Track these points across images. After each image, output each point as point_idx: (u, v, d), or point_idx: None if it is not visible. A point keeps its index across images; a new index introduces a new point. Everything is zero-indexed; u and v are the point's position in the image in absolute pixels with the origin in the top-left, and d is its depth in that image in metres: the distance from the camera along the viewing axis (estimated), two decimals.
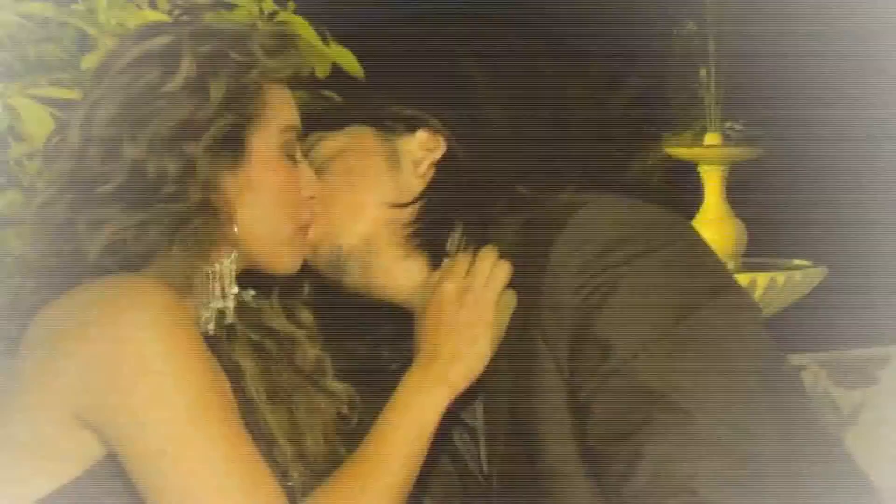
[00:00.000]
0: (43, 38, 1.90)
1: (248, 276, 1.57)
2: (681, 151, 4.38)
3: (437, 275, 1.60)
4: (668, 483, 1.40)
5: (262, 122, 1.51)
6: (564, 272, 1.49)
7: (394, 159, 1.64)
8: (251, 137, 1.50)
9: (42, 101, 1.82)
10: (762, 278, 3.90)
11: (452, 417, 1.59)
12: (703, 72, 4.29)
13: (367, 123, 1.65)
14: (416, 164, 1.64)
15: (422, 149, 1.65)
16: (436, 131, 1.64)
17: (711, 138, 4.33)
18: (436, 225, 1.63)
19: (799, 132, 5.01)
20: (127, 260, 1.44)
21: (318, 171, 1.62)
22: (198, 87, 1.47)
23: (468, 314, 1.55)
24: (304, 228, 1.57)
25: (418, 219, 1.62)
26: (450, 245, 1.62)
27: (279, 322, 1.61)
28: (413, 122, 1.65)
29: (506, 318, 1.56)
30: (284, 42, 1.54)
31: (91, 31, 1.88)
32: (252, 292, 1.59)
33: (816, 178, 5.07)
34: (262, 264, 1.54)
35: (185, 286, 1.47)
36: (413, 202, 1.62)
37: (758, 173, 4.74)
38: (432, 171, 1.65)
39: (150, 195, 1.45)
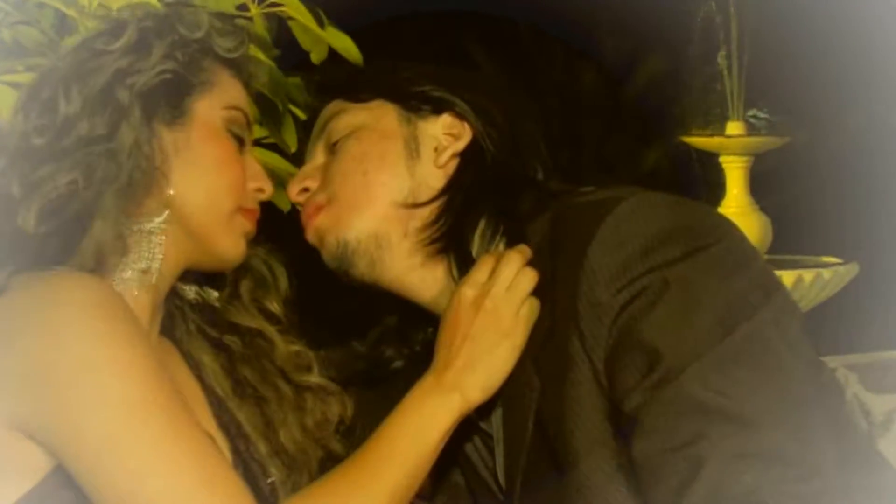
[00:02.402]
0: (19, 21, 1.90)
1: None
2: (701, 141, 4.38)
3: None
4: (730, 496, 1.39)
5: (206, 93, 1.55)
6: (603, 271, 1.49)
7: (413, 145, 1.63)
8: (194, 103, 1.54)
9: (19, 87, 1.82)
10: (788, 276, 3.89)
11: (467, 423, 1.59)
12: (723, 55, 4.29)
13: (393, 99, 1.65)
14: (438, 152, 1.63)
15: (445, 133, 1.64)
16: (462, 117, 1.65)
17: (733, 127, 4.33)
18: (456, 229, 1.62)
19: (827, 120, 5.00)
20: (64, 225, 1.46)
21: (333, 149, 1.64)
22: (140, 46, 1.52)
23: (485, 322, 1.55)
24: (248, 214, 1.57)
25: (437, 220, 1.62)
26: (475, 249, 1.62)
27: (245, 318, 1.62)
28: (440, 105, 1.65)
29: (528, 327, 1.56)
30: (237, 29, 1.60)
31: (71, 13, 1.88)
32: (216, 294, 1.61)
33: (846, 168, 5.06)
34: (202, 248, 1.54)
35: (120, 251, 1.49)
36: (429, 202, 1.62)
37: (783, 164, 4.74)
38: (454, 162, 1.64)
39: (82, 144, 1.48)
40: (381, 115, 1.65)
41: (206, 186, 1.54)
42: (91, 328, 1.38)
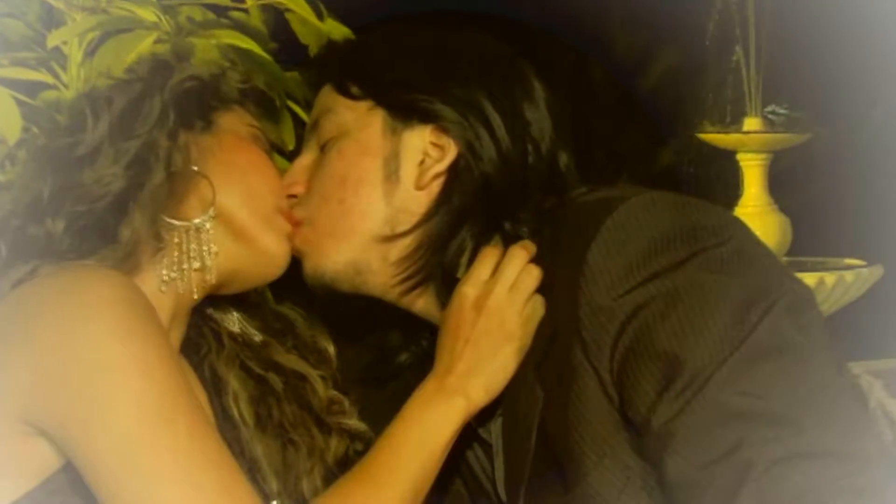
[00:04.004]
0: (5, 13, 1.90)
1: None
2: (717, 138, 4.37)
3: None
4: (783, 501, 1.38)
5: (229, 111, 1.63)
6: (603, 275, 1.47)
7: (393, 166, 1.60)
8: (220, 117, 1.61)
9: (3, 82, 1.82)
10: (809, 279, 3.88)
11: (468, 431, 1.59)
12: (741, 48, 4.28)
13: (380, 104, 1.62)
14: (422, 169, 1.60)
15: (432, 143, 1.60)
16: (447, 131, 1.61)
17: (751, 123, 4.32)
18: (437, 260, 1.60)
19: (849, 115, 4.99)
20: (94, 221, 1.48)
21: (323, 149, 1.64)
22: (160, 67, 1.61)
23: (488, 324, 1.54)
24: (288, 216, 1.62)
25: (415, 251, 1.60)
26: (462, 271, 1.60)
27: (289, 360, 1.65)
28: (426, 116, 1.62)
29: (532, 328, 1.55)
30: (241, 67, 1.70)
31: (58, 5, 1.88)
32: (259, 337, 1.64)
33: (869, 166, 5.05)
34: (247, 247, 1.57)
35: (155, 246, 1.52)
36: (409, 231, 1.60)
37: (803, 162, 4.73)
38: (440, 181, 1.62)
39: (116, 144, 1.53)
40: (366, 122, 1.63)
41: (243, 185, 1.59)
42: (112, 325, 1.40)
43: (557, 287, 1.53)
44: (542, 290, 1.56)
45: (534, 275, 1.56)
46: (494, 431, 1.62)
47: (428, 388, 1.55)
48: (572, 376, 1.50)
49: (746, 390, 1.41)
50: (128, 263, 1.50)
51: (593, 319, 1.48)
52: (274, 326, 1.69)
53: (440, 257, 1.60)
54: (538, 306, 1.55)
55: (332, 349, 1.69)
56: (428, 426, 1.53)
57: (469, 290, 1.56)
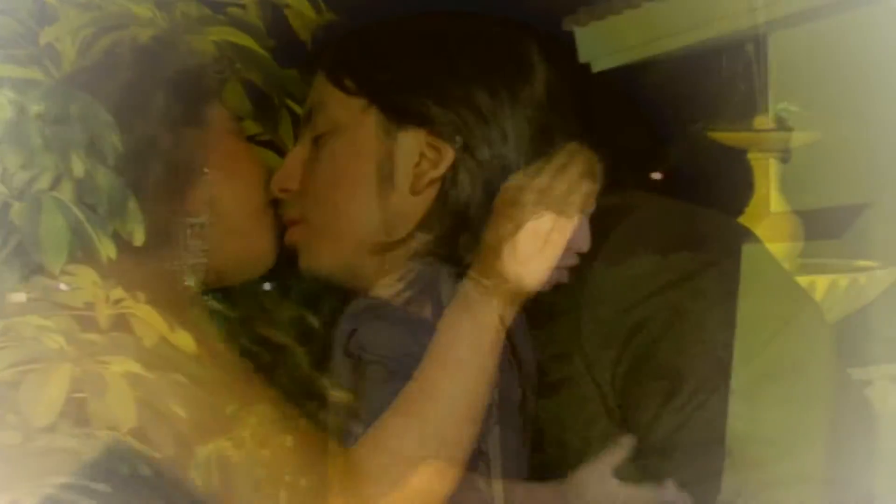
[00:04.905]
0: None
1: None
2: (728, 137, 4.37)
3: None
4: None
5: (217, 103, 1.63)
6: (608, 288, 1.47)
7: (387, 170, 1.56)
8: (210, 110, 1.62)
9: None
10: (822, 281, 3.89)
11: None
12: (751, 46, 4.29)
13: (374, 104, 1.60)
14: (418, 174, 1.57)
15: (428, 145, 1.57)
16: (442, 135, 1.57)
17: (762, 122, 4.33)
18: (437, 272, 1.56)
19: (862, 113, 4.99)
20: (100, 221, 1.50)
21: (317, 143, 1.63)
22: (153, 50, 1.60)
23: (529, 200, 1.46)
24: (274, 214, 1.63)
25: (414, 256, 1.57)
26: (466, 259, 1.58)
27: (270, 333, 1.65)
28: (421, 120, 1.59)
29: (573, 224, 1.46)
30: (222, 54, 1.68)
31: (50, 0, 1.88)
32: (234, 314, 1.65)
33: (882, 165, 5.06)
34: (241, 243, 1.59)
35: (156, 246, 1.51)
36: (403, 240, 1.58)
37: (815, 161, 4.74)
38: (436, 186, 1.59)
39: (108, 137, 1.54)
40: (361, 121, 1.60)
41: (237, 182, 1.61)
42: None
43: (561, 296, 1.53)
44: (546, 299, 1.55)
45: (580, 160, 1.48)
46: (491, 441, 1.62)
47: (470, 277, 1.46)
48: (572, 388, 1.49)
49: (748, 410, 1.41)
50: (131, 261, 1.51)
51: (596, 332, 1.48)
52: (250, 306, 1.70)
53: (440, 265, 1.57)
54: (587, 200, 1.47)
55: (315, 324, 1.70)
56: (477, 319, 1.46)
57: (511, 182, 1.48)
